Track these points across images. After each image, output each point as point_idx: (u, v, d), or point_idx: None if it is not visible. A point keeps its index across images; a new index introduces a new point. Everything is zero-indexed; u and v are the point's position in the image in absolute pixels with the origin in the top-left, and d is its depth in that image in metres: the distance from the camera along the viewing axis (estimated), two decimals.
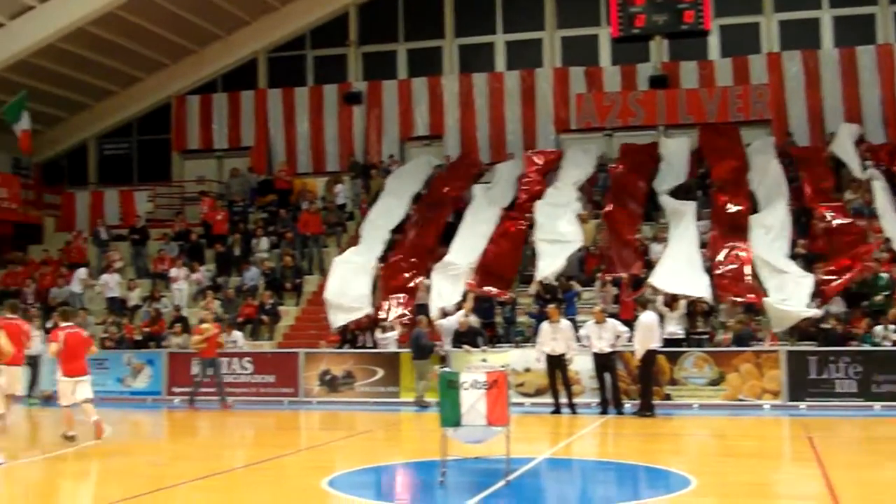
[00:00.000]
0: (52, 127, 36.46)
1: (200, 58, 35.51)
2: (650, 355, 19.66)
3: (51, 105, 34.95)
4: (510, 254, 26.52)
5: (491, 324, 24.20)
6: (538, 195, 28.28)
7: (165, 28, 33.00)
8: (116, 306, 28.25)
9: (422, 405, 21.83)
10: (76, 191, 35.93)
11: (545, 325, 20.50)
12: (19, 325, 16.30)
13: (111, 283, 28.62)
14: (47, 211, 35.60)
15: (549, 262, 24.98)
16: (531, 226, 27.10)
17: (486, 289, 24.66)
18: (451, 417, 11.83)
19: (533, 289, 24.39)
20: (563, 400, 20.36)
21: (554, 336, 20.24)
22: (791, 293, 22.90)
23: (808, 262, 24.18)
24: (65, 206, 35.54)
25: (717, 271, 24.02)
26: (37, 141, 34.01)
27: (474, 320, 23.26)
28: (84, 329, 17.56)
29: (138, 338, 26.31)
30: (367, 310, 25.16)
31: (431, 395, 21.22)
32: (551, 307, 20.86)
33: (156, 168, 35.99)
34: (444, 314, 23.72)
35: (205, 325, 22.67)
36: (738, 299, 23.05)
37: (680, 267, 23.77)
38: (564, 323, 20.47)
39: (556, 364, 20.30)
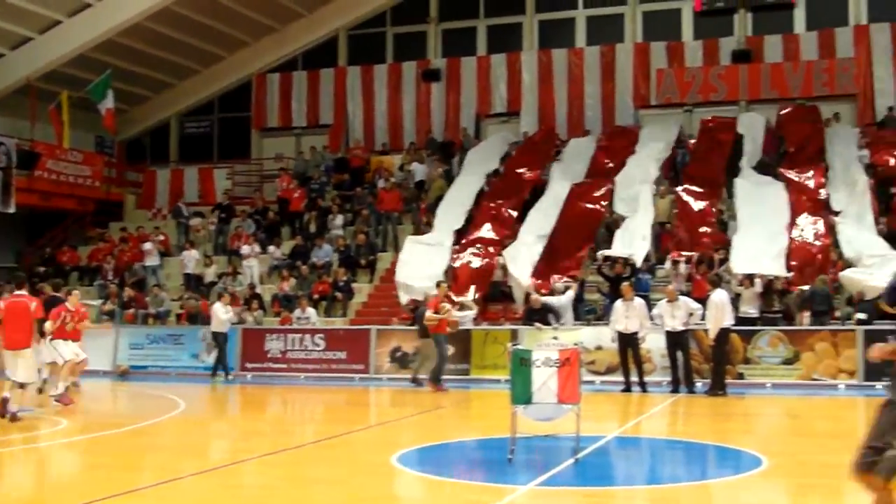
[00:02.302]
0: (135, 106, 37.00)
1: (282, 36, 35.66)
2: (723, 334, 19.22)
3: (135, 84, 35.44)
4: (583, 231, 26.16)
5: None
6: (615, 171, 27.81)
7: (248, 6, 33.21)
8: (192, 282, 28.48)
9: (417, 382, 21.56)
10: (157, 168, 36.41)
11: (618, 304, 20.23)
12: (25, 304, 15.82)
13: (189, 260, 28.81)
14: (129, 188, 36.17)
15: (620, 240, 24.66)
16: (606, 202, 26.71)
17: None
18: (522, 395, 11.68)
19: (604, 268, 24.03)
20: (634, 378, 20.07)
21: (627, 314, 19.93)
22: (874, 268, 22.23)
23: (890, 239, 23.47)
24: (146, 183, 36.08)
25: (795, 247, 23.42)
26: (120, 119, 34.54)
27: (565, 298, 23.05)
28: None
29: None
30: (440, 289, 24.85)
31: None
32: (625, 285, 20.55)
33: (235, 146, 36.36)
34: (552, 292, 23.46)
35: (445, 305, 21.18)
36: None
37: (757, 245, 23.27)
38: (638, 301, 20.15)
39: (628, 342, 20.03)
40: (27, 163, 30.36)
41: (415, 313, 22.55)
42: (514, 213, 27.74)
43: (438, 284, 21.68)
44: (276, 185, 32.31)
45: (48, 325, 17.38)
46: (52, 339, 18.14)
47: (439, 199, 28.83)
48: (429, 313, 20.63)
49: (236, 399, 21.49)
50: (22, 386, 15.52)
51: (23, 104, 31.02)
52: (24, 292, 16.20)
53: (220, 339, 23.75)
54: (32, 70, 31.20)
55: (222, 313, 23.61)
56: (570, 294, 23.35)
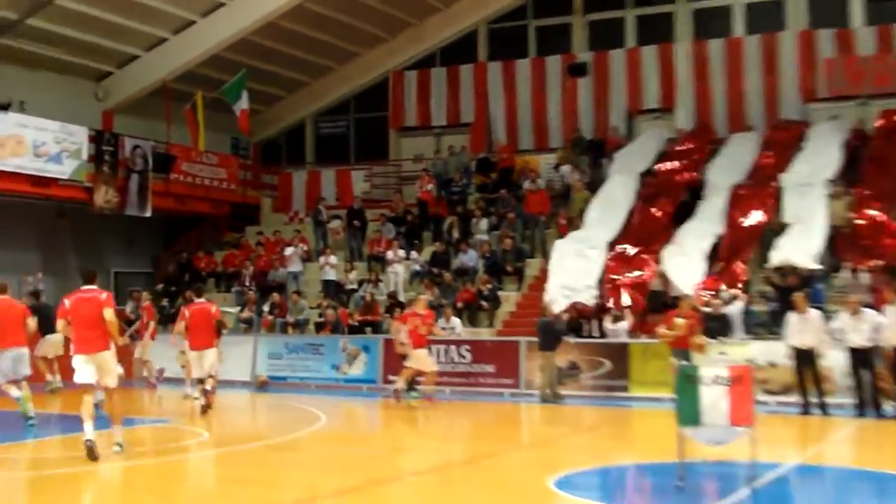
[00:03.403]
0: (270, 106, 37.50)
1: (419, 31, 35.72)
2: None
3: (269, 84, 35.92)
4: (747, 235, 25.50)
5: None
6: (781, 170, 27.03)
7: (384, 1, 33.32)
8: (332, 290, 28.68)
9: (547, 399, 21.39)
10: (293, 170, 36.85)
11: (792, 316, 19.47)
12: (207, 309, 19.59)
13: (328, 266, 29.03)
14: (264, 191, 36.71)
15: (791, 245, 23.87)
16: (773, 203, 26.00)
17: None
18: (690, 416, 11.41)
19: (774, 277, 23.29)
20: (813, 399, 19.28)
21: (802, 328, 19.19)
22: None
23: None
24: (282, 186, 36.51)
25: None
26: (255, 120, 34.98)
27: (734, 310, 22.48)
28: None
29: (353, 323, 26.61)
30: (592, 297, 24.68)
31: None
32: (798, 296, 19.72)
33: (372, 146, 36.52)
34: (724, 301, 22.86)
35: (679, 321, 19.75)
36: None
37: None
38: (813, 313, 19.37)
39: (805, 359, 19.27)
40: (163, 166, 31.04)
41: (540, 323, 22.15)
42: (670, 217, 27.14)
43: (678, 300, 20.60)
44: (416, 186, 32.32)
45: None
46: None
47: (582, 211, 28.32)
48: (661, 329, 19.27)
49: (379, 413, 21.52)
50: (202, 381, 19.24)
51: (158, 106, 31.71)
52: (203, 299, 20.16)
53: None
54: (167, 71, 31.87)
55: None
56: (739, 304, 22.64)
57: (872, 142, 27.82)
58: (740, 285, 23.74)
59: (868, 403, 19.01)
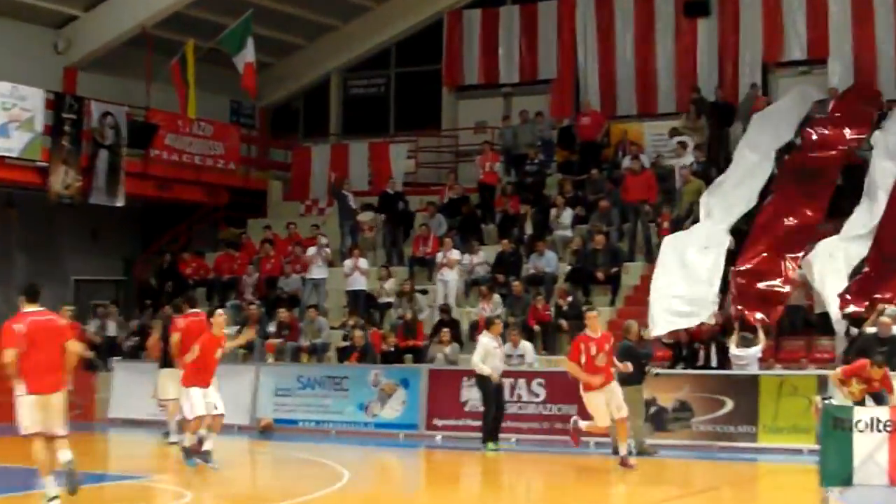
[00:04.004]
0: (284, 58, 37.80)
1: None
2: None
3: (284, 29, 36.18)
4: None
5: None
6: None
7: None
8: (361, 303, 28.86)
9: (644, 452, 21.07)
10: (313, 144, 37.09)
11: None
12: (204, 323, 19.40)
13: (357, 272, 29.22)
14: (274, 172, 37.04)
15: None
16: None
17: None
18: (838, 472, 11.39)
19: None
20: None
21: None
22: None
23: None
24: (297, 164, 36.74)
25: None
26: (263, 78, 35.16)
27: None
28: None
29: (389, 348, 26.70)
30: (711, 313, 24.64)
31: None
32: None
33: (420, 112, 36.74)
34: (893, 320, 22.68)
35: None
36: None
37: None
38: None
39: None
40: (141, 139, 31.30)
41: (620, 348, 21.90)
42: (820, 208, 27.01)
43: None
44: (477, 165, 32.39)
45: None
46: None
47: (690, 209, 28.21)
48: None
49: (418, 469, 21.61)
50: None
51: (135, 60, 31.97)
52: (197, 310, 20.86)
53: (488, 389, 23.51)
54: (148, 14, 32.11)
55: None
56: None
57: None
58: None
59: None
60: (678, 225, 27.99)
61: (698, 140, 30.63)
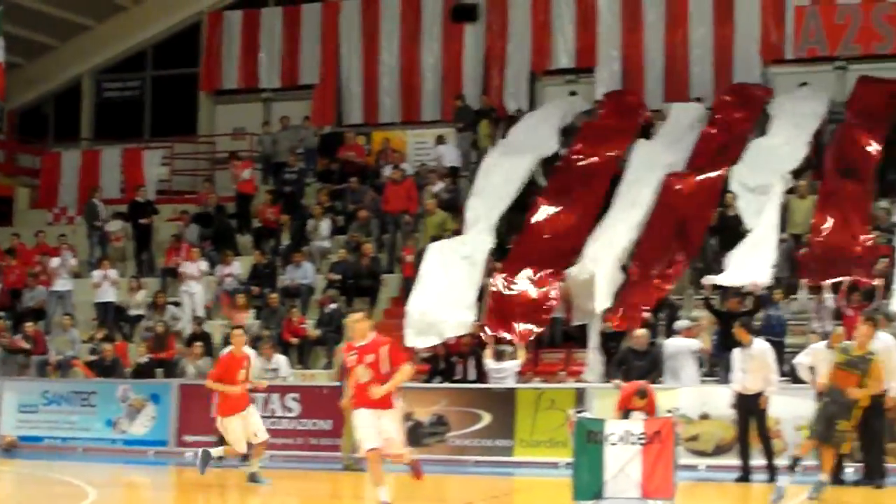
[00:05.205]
0: (34, 59, 37.27)
1: None
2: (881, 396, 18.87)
3: (34, 28, 35.57)
4: (677, 243, 26.05)
5: None
6: (733, 156, 27.75)
7: None
8: (111, 315, 28.60)
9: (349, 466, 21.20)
10: (63, 149, 36.58)
11: (736, 352, 19.90)
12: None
13: (105, 283, 28.91)
14: (21, 178, 36.38)
15: (737, 258, 24.54)
16: (718, 201, 26.66)
17: None
18: (591, 486, 11.68)
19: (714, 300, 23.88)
20: (758, 461, 19.73)
21: (745, 366, 19.62)
22: None
23: None
24: (46, 170, 36.18)
25: None
26: (12, 79, 34.52)
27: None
28: None
29: (139, 361, 26.47)
30: (469, 326, 24.92)
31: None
32: (737, 325, 20.17)
33: (176, 117, 36.53)
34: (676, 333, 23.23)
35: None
36: None
37: None
38: (759, 347, 19.76)
39: (748, 408, 19.66)
40: None
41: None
42: (586, 217, 27.46)
43: None
44: (232, 173, 32.40)
45: None
46: None
47: (435, 239, 27.82)
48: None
49: (166, 486, 21.46)
50: None
51: None
52: None
53: None
54: None
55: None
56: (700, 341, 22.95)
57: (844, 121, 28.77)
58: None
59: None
60: (419, 256, 27.46)
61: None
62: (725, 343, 21.47)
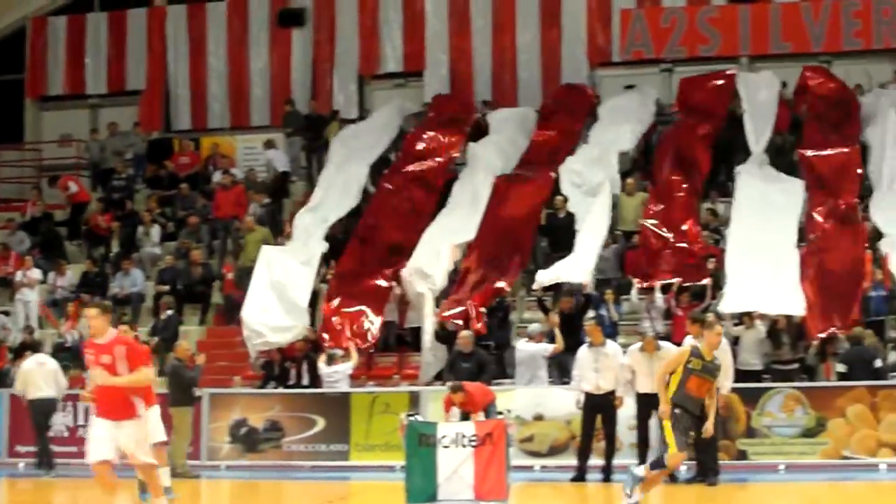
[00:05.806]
0: None
1: None
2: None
3: None
4: (510, 245, 26.33)
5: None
6: (561, 157, 28.22)
7: None
8: None
9: (182, 475, 20.79)
10: None
11: (583, 351, 20.16)
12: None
13: None
14: None
15: (570, 258, 24.91)
16: (547, 202, 27.14)
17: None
18: (424, 488, 11.79)
19: (545, 300, 24.27)
20: (597, 462, 20.12)
21: (597, 366, 19.84)
22: None
23: None
24: None
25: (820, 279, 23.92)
26: None
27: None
28: None
29: None
30: (303, 330, 25.12)
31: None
32: (589, 324, 20.61)
33: (2, 124, 35.92)
34: (529, 338, 23.40)
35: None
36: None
37: (763, 271, 23.54)
38: (610, 347, 20.17)
39: (600, 408, 19.95)
40: None
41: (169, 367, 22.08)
42: (423, 218, 27.70)
43: None
44: (60, 193, 32.14)
45: None
46: None
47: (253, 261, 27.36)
48: None
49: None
50: None
51: None
52: None
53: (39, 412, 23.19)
54: None
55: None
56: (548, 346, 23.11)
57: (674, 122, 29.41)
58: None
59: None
60: (242, 279, 27.25)
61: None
62: (571, 343, 21.69)
